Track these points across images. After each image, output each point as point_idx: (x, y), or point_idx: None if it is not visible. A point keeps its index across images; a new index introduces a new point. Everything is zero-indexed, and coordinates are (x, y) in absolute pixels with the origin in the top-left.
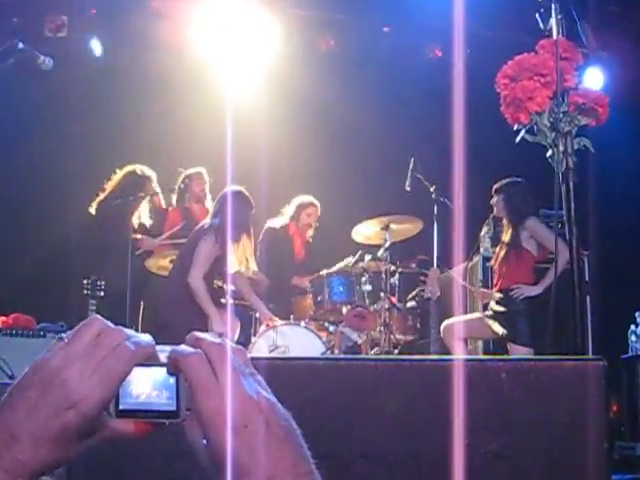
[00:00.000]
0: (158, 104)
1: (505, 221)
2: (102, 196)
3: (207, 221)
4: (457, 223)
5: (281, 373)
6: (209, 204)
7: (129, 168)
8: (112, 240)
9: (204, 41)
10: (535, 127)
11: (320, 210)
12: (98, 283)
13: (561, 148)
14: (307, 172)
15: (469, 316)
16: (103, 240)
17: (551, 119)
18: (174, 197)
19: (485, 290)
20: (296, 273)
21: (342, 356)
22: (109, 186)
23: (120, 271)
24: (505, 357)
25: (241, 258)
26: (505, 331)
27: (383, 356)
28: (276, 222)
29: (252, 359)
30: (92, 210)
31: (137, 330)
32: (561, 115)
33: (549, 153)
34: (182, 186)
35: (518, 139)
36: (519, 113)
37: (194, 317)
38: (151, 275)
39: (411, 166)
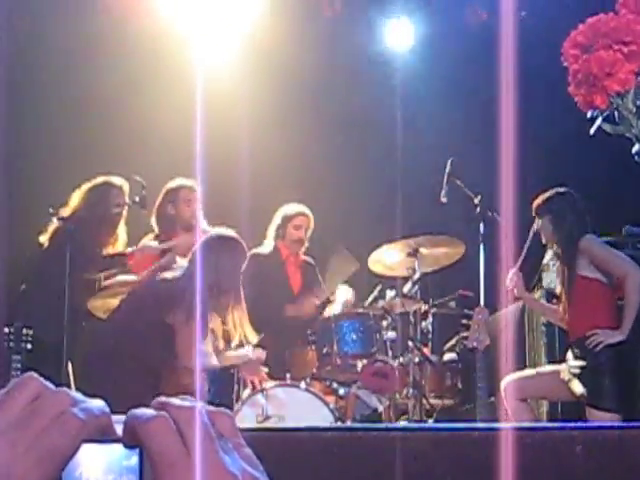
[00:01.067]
0: (103, 87)
1: (558, 251)
2: (57, 220)
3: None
4: (510, 246)
5: (275, 449)
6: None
7: (95, 180)
8: (54, 274)
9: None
10: (616, 113)
11: (317, 226)
12: (24, 332)
13: None
14: (302, 174)
15: (540, 370)
16: (43, 274)
17: (638, 102)
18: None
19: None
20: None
21: (358, 425)
22: (69, 206)
23: (55, 315)
24: (580, 424)
25: (232, 332)
26: (585, 392)
27: (413, 425)
28: (262, 247)
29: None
30: (43, 238)
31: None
32: None
33: (636, 148)
34: (168, 208)
35: (593, 130)
36: (594, 94)
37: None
38: (91, 319)
39: (448, 170)
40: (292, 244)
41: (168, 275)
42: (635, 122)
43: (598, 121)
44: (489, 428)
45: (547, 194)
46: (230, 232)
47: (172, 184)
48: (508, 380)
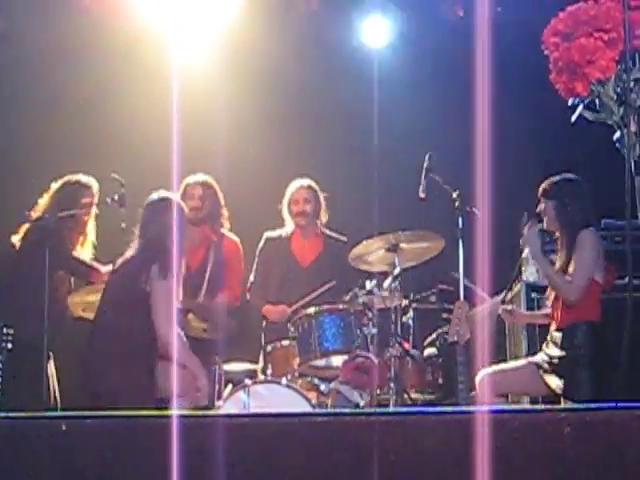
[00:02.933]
0: (80, 85)
1: (559, 236)
2: (29, 220)
3: (135, 248)
4: (487, 240)
5: (250, 435)
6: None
7: (65, 179)
8: (31, 274)
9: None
10: (597, 101)
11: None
12: (4, 332)
13: (632, 128)
14: (281, 170)
15: (514, 364)
16: (19, 274)
17: (618, 89)
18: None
19: (537, 312)
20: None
21: (342, 410)
22: (40, 206)
23: (34, 314)
24: (568, 406)
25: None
26: (561, 384)
27: (398, 409)
28: (278, 230)
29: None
30: (15, 239)
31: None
32: (632, 84)
33: (617, 135)
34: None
35: (574, 117)
36: (575, 82)
37: (142, 381)
38: (71, 317)
39: (426, 165)
40: (295, 218)
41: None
42: (616, 109)
43: (579, 108)
44: (476, 411)
45: (554, 178)
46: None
47: (186, 180)
48: (481, 375)
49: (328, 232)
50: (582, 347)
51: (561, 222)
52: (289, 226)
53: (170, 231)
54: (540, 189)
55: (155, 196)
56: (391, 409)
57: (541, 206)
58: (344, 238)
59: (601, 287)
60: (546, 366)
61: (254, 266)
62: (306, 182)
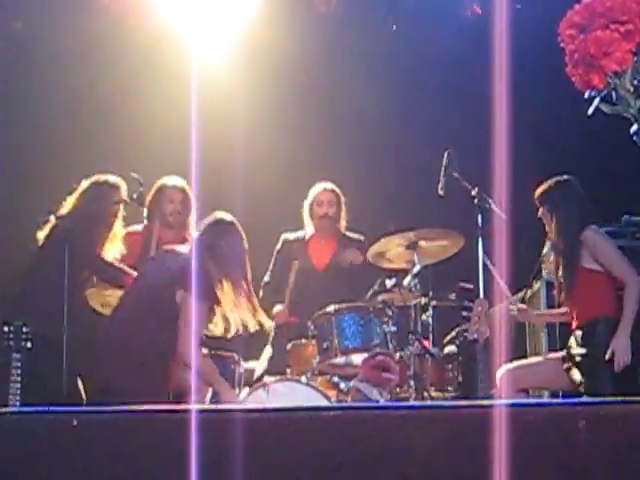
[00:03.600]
0: (99, 85)
1: (555, 241)
2: (55, 218)
3: (185, 249)
4: (507, 237)
5: (267, 430)
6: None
7: (93, 178)
8: (52, 272)
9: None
10: (614, 93)
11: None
12: (24, 330)
13: None
14: (299, 170)
15: (536, 359)
16: (40, 272)
17: (635, 82)
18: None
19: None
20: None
21: (359, 404)
22: (67, 204)
23: (54, 312)
24: (583, 400)
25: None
26: (583, 380)
27: (414, 403)
28: (297, 232)
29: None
30: (40, 235)
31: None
32: None
33: (634, 128)
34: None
35: (591, 110)
36: (591, 74)
37: (156, 381)
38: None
39: (445, 162)
40: (319, 221)
41: (179, 249)
42: (633, 101)
43: (596, 101)
44: (491, 405)
45: (547, 183)
46: (228, 216)
47: (161, 181)
48: (502, 371)
49: (346, 233)
50: (602, 345)
51: (557, 225)
52: (309, 229)
53: (235, 257)
54: (535, 194)
55: (221, 215)
56: (406, 403)
57: (540, 211)
58: (362, 237)
59: (615, 282)
60: (569, 363)
61: (270, 266)
62: (330, 185)
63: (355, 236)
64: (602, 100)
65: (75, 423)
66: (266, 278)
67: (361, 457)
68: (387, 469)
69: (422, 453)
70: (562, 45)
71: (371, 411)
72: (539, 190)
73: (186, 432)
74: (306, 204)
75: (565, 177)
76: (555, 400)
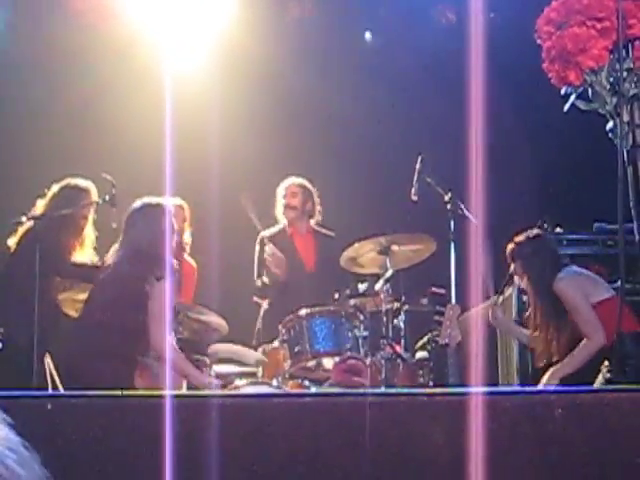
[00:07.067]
0: (72, 89)
1: (530, 293)
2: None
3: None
4: (478, 242)
5: (241, 415)
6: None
7: (63, 182)
8: (23, 275)
9: (133, 3)
10: (590, 90)
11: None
12: None
13: (625, 118)
14: (272, 173)
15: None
16: (11, 276)
17: (611, 79)
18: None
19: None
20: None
21: (324, 391)
22: (37, 208)
23: (25, 315)
24: (559, 388)
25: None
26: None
27: (389, 390)
28: (271, 228)
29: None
30: (11, 241)
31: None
32: (625, 73)
33: (609, 125)
34: None
35: (567, 107)
36: (568, 70)
37: (126, 378)
38: (62, 318)
39: (418, 167)
40: (287, 212)
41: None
42: (609, 98)
43: (572, 98)
44: (467, 393)
45: (518, 238)
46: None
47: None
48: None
49: (317, 228)
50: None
51: (530, 278)
52: (281, 223)
53: (164, 237)
54: (508, 249)
55: (147, 201)
56: (382, 390)
57: (512, 267)
58: (332, 233)
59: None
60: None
61: (255, 270)
62: (298, 180)
63: (323, 231)
64: (578, 97)
65: (50, 407)
66: (258, 283)
67: (335, 442)
68: (360, 455)
69: (397, 439)
70: (538, 41)
71: (345, 397)
72: (510, 246)
73: (161, 417)
74: (277, 199)
75: (535, 231)
76: (532, 388)
